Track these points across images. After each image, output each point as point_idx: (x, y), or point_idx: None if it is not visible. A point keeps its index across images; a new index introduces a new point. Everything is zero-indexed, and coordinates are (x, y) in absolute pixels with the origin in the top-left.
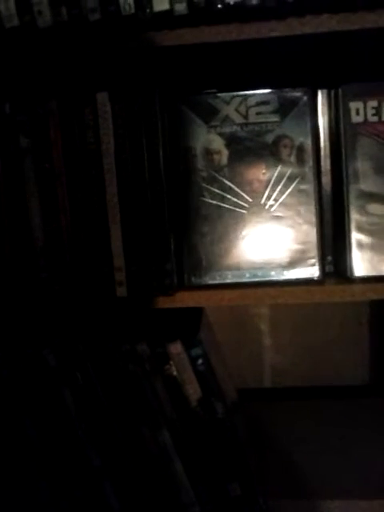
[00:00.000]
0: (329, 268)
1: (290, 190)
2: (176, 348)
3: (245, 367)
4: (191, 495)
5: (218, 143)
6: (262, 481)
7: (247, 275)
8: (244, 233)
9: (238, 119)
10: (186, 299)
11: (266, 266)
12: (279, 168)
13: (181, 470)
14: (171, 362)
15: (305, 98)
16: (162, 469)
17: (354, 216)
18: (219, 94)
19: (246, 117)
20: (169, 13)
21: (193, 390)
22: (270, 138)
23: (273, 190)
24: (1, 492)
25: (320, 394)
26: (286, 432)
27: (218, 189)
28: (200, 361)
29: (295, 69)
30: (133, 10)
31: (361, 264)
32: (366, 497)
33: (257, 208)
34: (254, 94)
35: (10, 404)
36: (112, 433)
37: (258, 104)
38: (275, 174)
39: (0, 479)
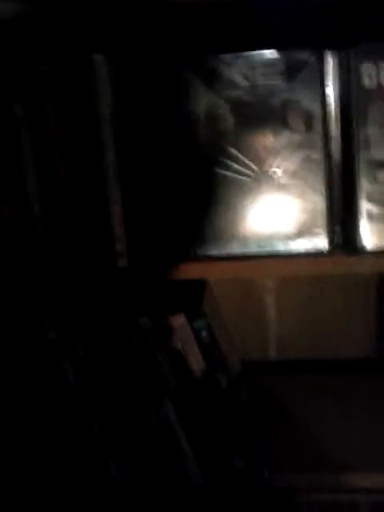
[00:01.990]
0: (337, 239)
1: (297, 158)
2: (179, 320)
3: (249, 339)
4: (195, 467)
5: (222, 108)
6: (266, 453)
7: (253, 246)
8: (250, 203)
9: (243, 82)
10: (189, 271)
11: (272, 237)
12: (286, 134)
13: (185, 443)
14: (174, 335)
15: (313, 59)
16: (166, 441)
17: (364, 185)
18: (221, 56)
19: (250, 80)
20: None
21: (196, 363)
22: (276, 103)
23: (279, 158)
24: (4, 467)
25: (325, 367)
26: (290, 404)
27: (223, 156)
28: (203, 333)
29: (303, 29)
30: None
31: (370, 235)
32: (370, 469)
33: (263, 177)
34: (258, 55)
35: (11, 378)
36: (115, 406)
37: (264, 66)
38: (282, 141)
39: (3, 454)
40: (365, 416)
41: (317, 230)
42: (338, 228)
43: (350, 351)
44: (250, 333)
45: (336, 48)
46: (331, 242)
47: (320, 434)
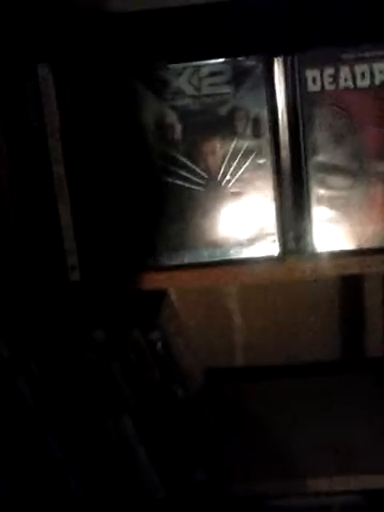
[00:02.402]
0: (290, 244)
1: (246, 164)
2: (134, 333)
3: (215, 346)
4: (155, 480)
5: (170, 117)
6: (231, 462)
7: (206, 254)
8: (201, 211)
9: (191, 91)
10: (144, 282)
11: (224, 245)
12: (235, 142)
13: (144, 456)
14: (129, 348)
15: (260, 66)
16: (125, 455)
17: (315, 189)
18: (170, 66)
19: (198, 89)
20: None
21: (152, 375)
22: (224, 111)
23: (229, 166)
24: None
25: (292, 371)
26: (258, 410)
27: (173, 166)
28: (159, 345)
29: (250, 37)
30: None
31: (323, 239)
32: (339, 473)
33: (213, 184)
34: (206, 65)
35: None
36: (72, 422)
37: (211, 75)
38: (231, 149)
39: None
40: (332, 419)
41: (269, 236)
42: (291, 233)
43: (315, 354)
44: (216, 340)
45: (282, 54)
46: (284, 246)
47: (287, 440)
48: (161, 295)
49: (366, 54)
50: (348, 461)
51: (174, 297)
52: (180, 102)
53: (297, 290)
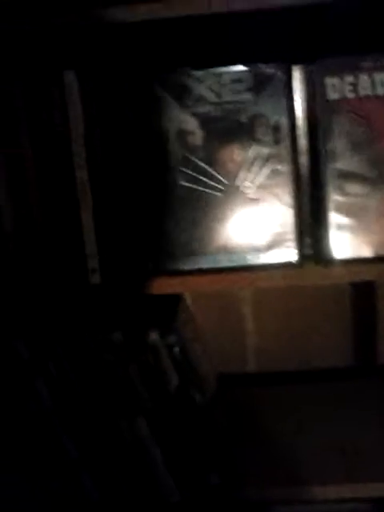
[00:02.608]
0: (307, 251)
1: (265, 171)
2: (152, 336)
3: (228, 352)
4: (171, 483)
5: (191, 124)
6: (243, 467)
7: (224, 260)
8: (220, 216)
9: (212, 98)
10: (161, 286)
11: (242, 250)
12: (254, 148)
13: (159, 459)
14: (147, 351)
15: (279, 74)
16: (140, 457)
17: (332, 196)
18: (192, 72)
19: (219, 95)
20: None
21: (170, 379)
22: (244, 117)
23: (248, 172)
24: None
25: (304, 378)
26: (269, 416)
27: (193, 171)
28: (176, 349)
29: (271, 44)
30: None
31: (340, 246)
32: (351, 480)
33: (232, 190)
34: (227, 72)
35: None
36: (88, 423)
37: (232, 82)
38: (251, 155)
39: None
40: (344, 425)
41: (286, 242)
42: (308, 239)
43: (327, 361)
44: (228, 345)
45: (302, 62)
46: (301, 253)
47: (298, 445)
48: (177, 299)
49: None
50: (358, 467)
51: (188, 301)
52: (201, 109)
53: (310, 295)
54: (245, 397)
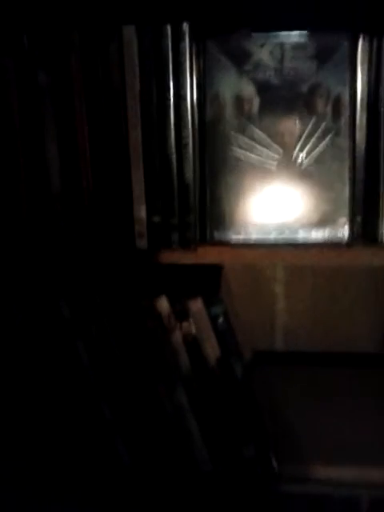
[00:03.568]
0: (358, 229)
1: (323, 144)
2: (196, 305)
3: (257, 329)
4: (204, 453)
5: (249, 90)
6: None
7: (273, 233)
8: (272, 187)
9: (273, 64)
10: (207, 255)
11: (293, 225)
12: (313, 120)
13: (195, 428)
14: (191, 320)
15: (345, 43)
16: (176, 425)
17: None
18: (253, 35)
19: (280, 62)
20: None
21: (211, 349)
22: (305, 87)
23: (305, 144)
24: (11, 441)
25: (333, 360)
26: (296, 396)
27: (248, 138)
28: (220, 319)
29: (336, 11)
30: None
31: None
32: (375, 463)
33: (287, 161)
34: (289, 37)
35: (24, 352)
36: (126, 388)
37: (294, 48)
38: (309, 127)
39: (9, 427)
40: (372, 410)
41: (339, 220)
42: (359, 218)
43: (359, 345)
44: (258, 323)
45: (369, 33)
46: (351, 232)
47: (325, 427)
48: (219, 270)
49: None
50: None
51: None
52: (260, 75)
53: (344, 277)
54: (273, 375)
